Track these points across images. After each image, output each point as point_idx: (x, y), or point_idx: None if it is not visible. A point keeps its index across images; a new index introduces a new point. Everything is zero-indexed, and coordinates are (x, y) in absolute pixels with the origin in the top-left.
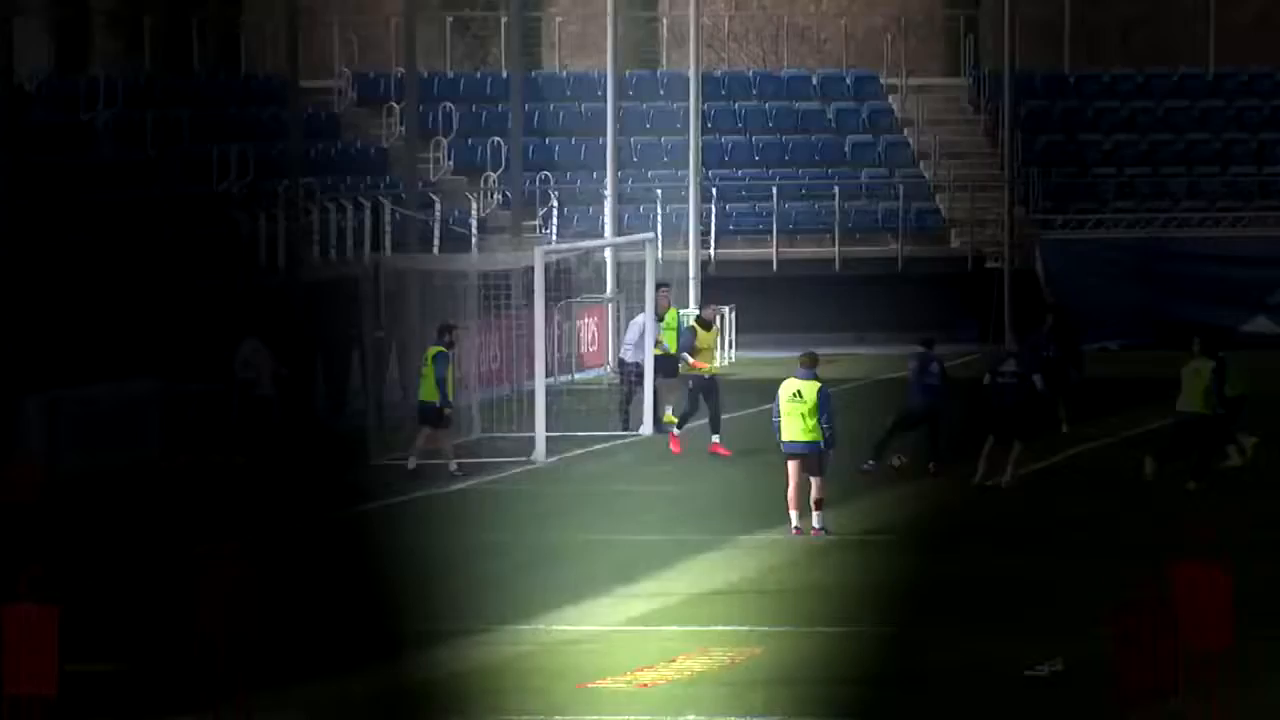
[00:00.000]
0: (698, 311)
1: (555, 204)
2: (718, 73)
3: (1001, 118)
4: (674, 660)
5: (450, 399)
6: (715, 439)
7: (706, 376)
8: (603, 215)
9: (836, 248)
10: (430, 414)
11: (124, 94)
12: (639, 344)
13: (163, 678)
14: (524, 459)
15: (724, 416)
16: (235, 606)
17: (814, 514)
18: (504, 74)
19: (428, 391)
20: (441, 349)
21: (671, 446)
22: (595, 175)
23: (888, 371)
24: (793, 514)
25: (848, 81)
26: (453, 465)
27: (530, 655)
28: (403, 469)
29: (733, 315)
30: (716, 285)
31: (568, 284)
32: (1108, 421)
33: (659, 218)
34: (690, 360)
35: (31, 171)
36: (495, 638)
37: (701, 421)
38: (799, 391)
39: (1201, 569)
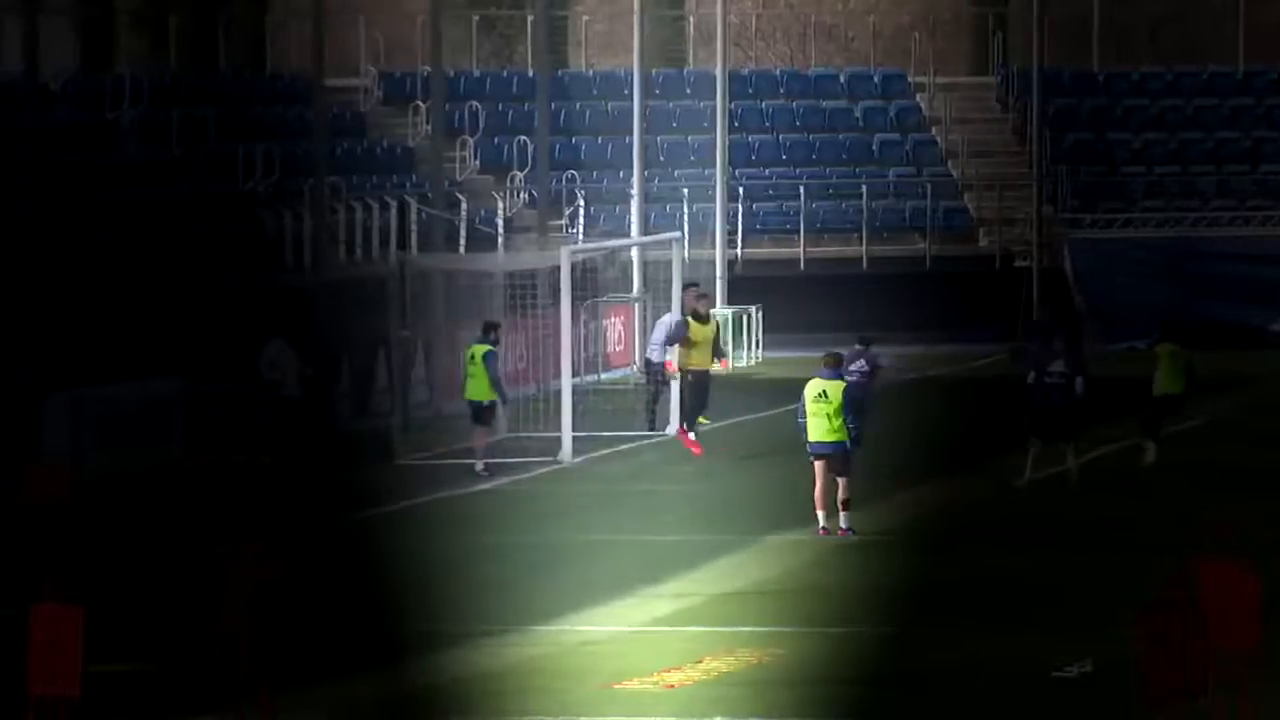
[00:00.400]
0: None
1: (581, 203)
2: (745, 71)
3: (1030, 116)
4: (700, 661)
5: (504, 397)
6: (683, 425)
7: (701, 371)
8: (629, 214)
9: (864, 247)
10: (482, 412)
11: (149, 93)
12: (665, 344)
13: (186, 678)
14: (550, 459)
15: (750, 417)
16: (259, 607)
17: (840, 514)
18: (530, 73)
19: (480, 390)
20: (490, 347)
21: (692, 450)
22: (621, 174)
23: (915, 371)
24: (819, 514)
25: (875, 80)
26: (479, 465)
27: (555, 656)
28: (427, 469)
29: (759, 315)
30: (743, 284)
31: (594, 283)
32: (1133, 421)
33: (685, 217)
34: (668, 359)
35: (56, 170)
36: (519, 638)
37: (729, 421)
38: (824, 392)
39: (1229, 568)
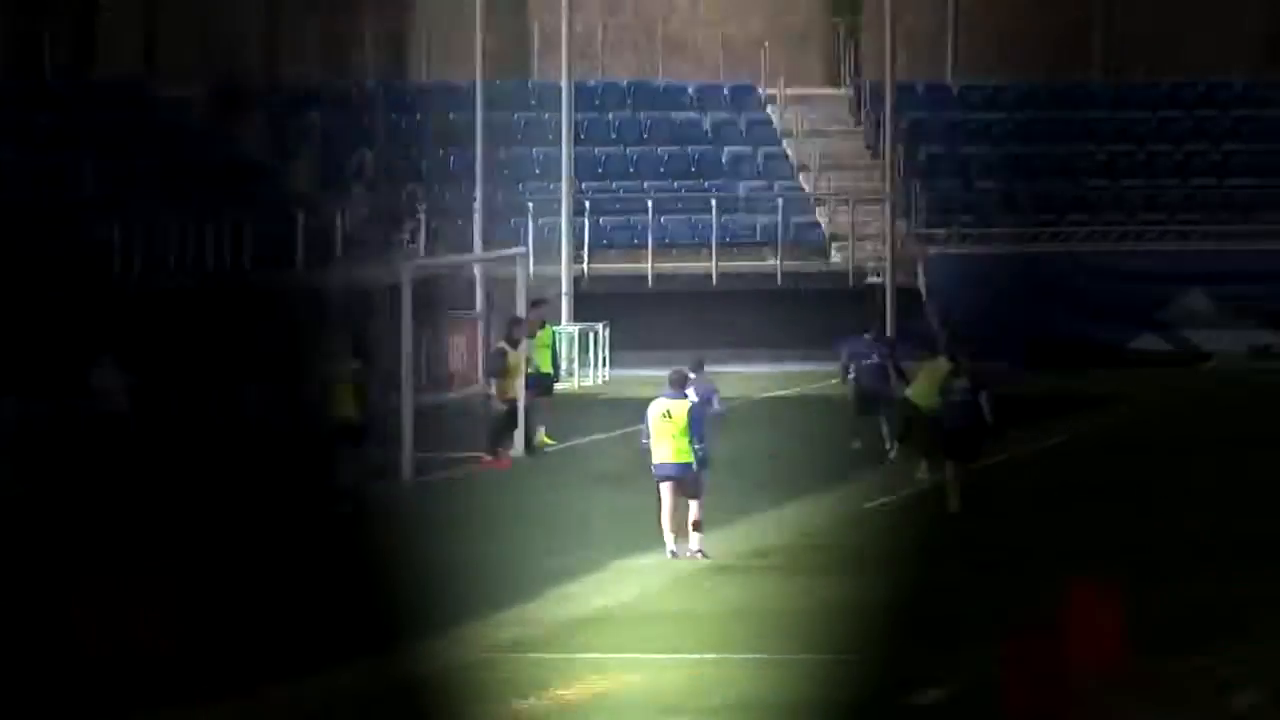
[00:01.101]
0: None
1: (423, 217)
2: (591, 82)
3: (883, 129)
4: (547, 689)
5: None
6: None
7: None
8: (472, 229)
9: (714, 262)
10: (348, 433)
11: None
12: (485, 376)
13: None
14: (389, 480)
15: (598, 436)
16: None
17: (693, 536)
18: (370, 84)
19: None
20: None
21: (488, 463)
22: (464, 188)
23: (770, 389)
24: (668, 538)
25: (725, 92)
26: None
27: (387, 690)
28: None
29: (606, 332)
30: (590, 301)
31: (437, 300)
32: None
33: (530, 231)
34: (492, 390)
35: None
36: (353, 669)
37: (575, 441)
38: (668, 412)
39: (1094, 590)
